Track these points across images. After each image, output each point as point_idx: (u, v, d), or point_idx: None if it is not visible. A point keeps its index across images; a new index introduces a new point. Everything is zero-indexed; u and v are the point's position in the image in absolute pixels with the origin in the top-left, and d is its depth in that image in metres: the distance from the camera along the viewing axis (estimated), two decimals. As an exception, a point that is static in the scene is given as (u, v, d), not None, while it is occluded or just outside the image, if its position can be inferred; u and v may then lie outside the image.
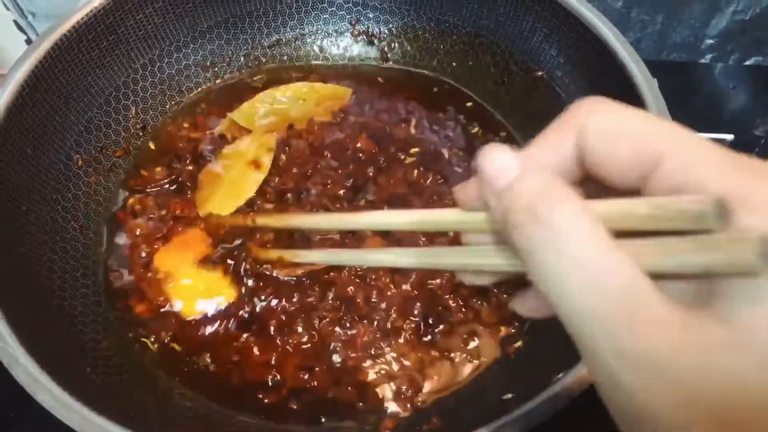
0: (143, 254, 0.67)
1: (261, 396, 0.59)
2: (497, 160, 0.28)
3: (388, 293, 0.63)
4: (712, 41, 1.01)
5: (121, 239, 0.69)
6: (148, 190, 0.72)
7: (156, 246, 0.67)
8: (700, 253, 0.22)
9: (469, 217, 0.32)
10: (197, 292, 0.64)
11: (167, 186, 0.72)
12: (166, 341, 0.62)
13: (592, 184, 0.28)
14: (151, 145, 0.77)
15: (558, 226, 0.24)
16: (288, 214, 0.64)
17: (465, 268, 0.34)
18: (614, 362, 0.22)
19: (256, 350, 0.61)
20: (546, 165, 0.28)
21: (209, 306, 0.63)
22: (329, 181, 0.71)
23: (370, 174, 0.72)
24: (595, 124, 0.27)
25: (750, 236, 0.21)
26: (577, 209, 0.24)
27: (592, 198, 0.26)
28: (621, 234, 0.24)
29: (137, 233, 0.68)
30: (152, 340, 0.62)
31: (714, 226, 0.22)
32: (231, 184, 0.71)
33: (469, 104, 0.81)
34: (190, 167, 0.73)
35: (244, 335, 0.61)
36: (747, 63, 1.04)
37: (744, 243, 0.21)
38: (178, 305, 0.64)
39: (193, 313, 0.63)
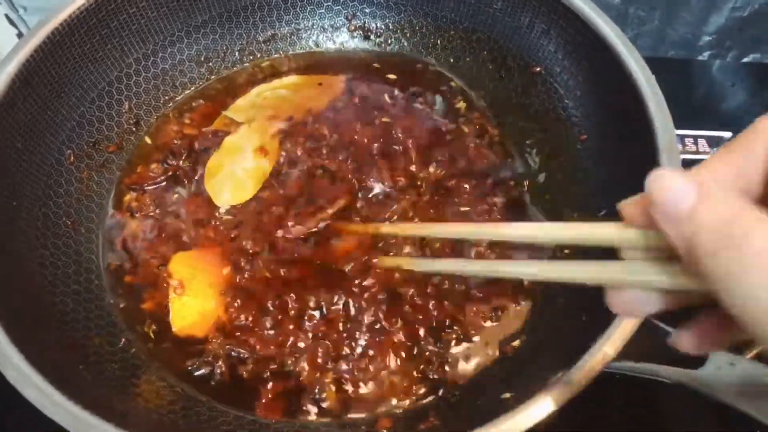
0: (152, 254, 0.66)
1: (258, 393, 0.58)
2: (672, 186, 0.27)
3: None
4: (710, 38, 1.01)
5: (120, 237, 0.68)
6: (146, 188, 0.71)
7: (160, 245, 0.67)
8: None
9: (633, 234, 0.30)
10: (194, 314, 0.62)
11: (164, 183, 0.71)
12: (161, 340, 0.61)
13: None
14: (147, 141, 0.76)
15: (758, 250, 0.23)
16: (420, 225, 0.65)
17: (621, 283, 0.31)
18: None
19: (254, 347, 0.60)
20: (727, 184, 0.28)
21: (200, 330, 0.62)
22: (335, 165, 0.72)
23: (374, 157, 0.73)
24: None
25: None
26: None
27: None
28: None
29: (139, 231, 0.68)
30: (147, 337, 0.61)
31: None
32: (243, 173, 0.72)
33: (461, 97, 0.81)
34: (186, 163, 0.72)
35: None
36: (745, 60, 1.03)
37: None
38: (172, 318, 0.62)
39: (183, 332, 0.62)
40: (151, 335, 0.61)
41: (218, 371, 0.59)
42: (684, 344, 0.32)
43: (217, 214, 0.69)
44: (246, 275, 0.64)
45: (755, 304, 0.23)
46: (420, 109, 0.78)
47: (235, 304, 0.62)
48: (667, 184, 0.27)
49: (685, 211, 0.26)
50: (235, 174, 0.72)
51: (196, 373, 0.59)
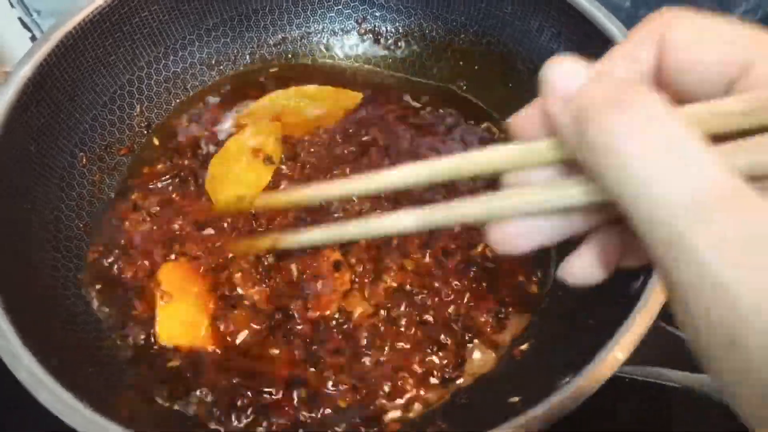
0: (146, 259, 0.66)
1: (265, 396, 0.58)
2: (564, 66, 0.27)
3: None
4: (721, 41, 1.00)
5: (123, 239, 0.68)
6: (150, 187, 0.71)
7: (158, 247, 0.67)
8: None
9: (526, 150, 0.28)
10: (178, 325, 0.62)
11: (169, 182, 0.72)
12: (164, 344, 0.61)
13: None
14: (156, 143, 0.76)
15: (648, 110, 0.23)
16: (289, 192, 0.53)
17: (515, 211, 0.28)
18: (711, 254, 0.20)
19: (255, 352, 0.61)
20: (620, 70, 0.28)
21: (183, 341, 0.61)
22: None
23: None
24: (677, 34, 0.27)
25: None
26: (665, 102, 0.23)
27: None
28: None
29: (140, 233, 0.68)
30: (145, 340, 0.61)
31: None
32: (243, 174, 0.71)
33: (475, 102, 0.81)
34: (191, 163, 0.73)
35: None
36: (756, 63, 1.03)
37: None
38: (159, 328, 0.61)
39: (166, 341, 0.61)
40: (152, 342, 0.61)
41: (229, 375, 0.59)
42: (576, 272, 0.30)
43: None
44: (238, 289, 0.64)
45: (644, 171, 0.22)
46: (431, 121, 0.78)
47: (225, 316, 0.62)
48: (560, 66, 0.27)
49: (576, 87, 0.26)
50: (235, 176, 0.71)
51: (207, 377, 0.59)
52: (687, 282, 0.21)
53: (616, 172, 0.22)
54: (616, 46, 0.29)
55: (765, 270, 0.19)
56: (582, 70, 0.26)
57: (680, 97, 0.27)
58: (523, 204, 0.28)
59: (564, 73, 0.27)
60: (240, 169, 0.72)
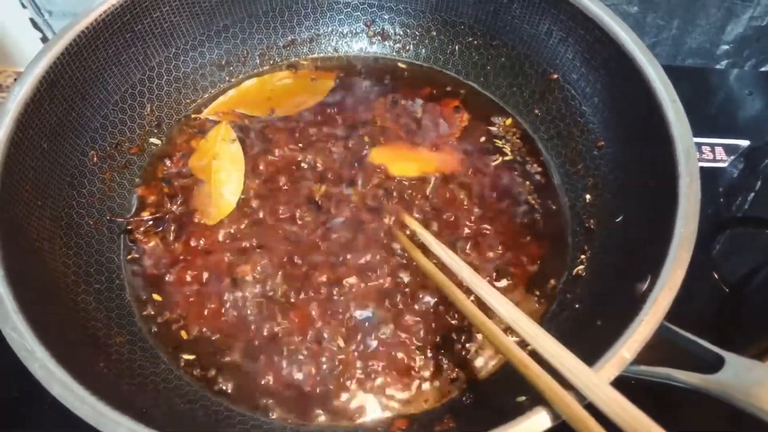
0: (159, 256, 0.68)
1: (277, 392, 0.59)
2: None
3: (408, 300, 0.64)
4: (727, 47, 1.01)
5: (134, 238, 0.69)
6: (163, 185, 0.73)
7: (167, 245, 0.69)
8: None
9: None
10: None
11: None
12: (178, 339, 0.62)
13: None
14: (166, 142, 0.77)
15: None
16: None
17: None
18: None
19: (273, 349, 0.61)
20: None
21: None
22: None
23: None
24: None
25: None
26: None
27: None
28: None
29: (148, 231, 0.70)
30: (166, 336, 0.62)
31: None
32: (217, 187, 0.73)
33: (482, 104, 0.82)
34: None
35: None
36: (763, 69, 1.03)
37: None
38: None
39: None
40: (169, 335, 0.62)
41: (243, 374, 0.60)
42: None
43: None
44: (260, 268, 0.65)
45: None
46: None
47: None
48: None
49: None
50: (214, 194, 0.73)
51: (219, 373, 0.60)
52: None
53: None
54: None
55: None
56: None
57: None
58: None
59: None
60: (214, 185, 0.73)
